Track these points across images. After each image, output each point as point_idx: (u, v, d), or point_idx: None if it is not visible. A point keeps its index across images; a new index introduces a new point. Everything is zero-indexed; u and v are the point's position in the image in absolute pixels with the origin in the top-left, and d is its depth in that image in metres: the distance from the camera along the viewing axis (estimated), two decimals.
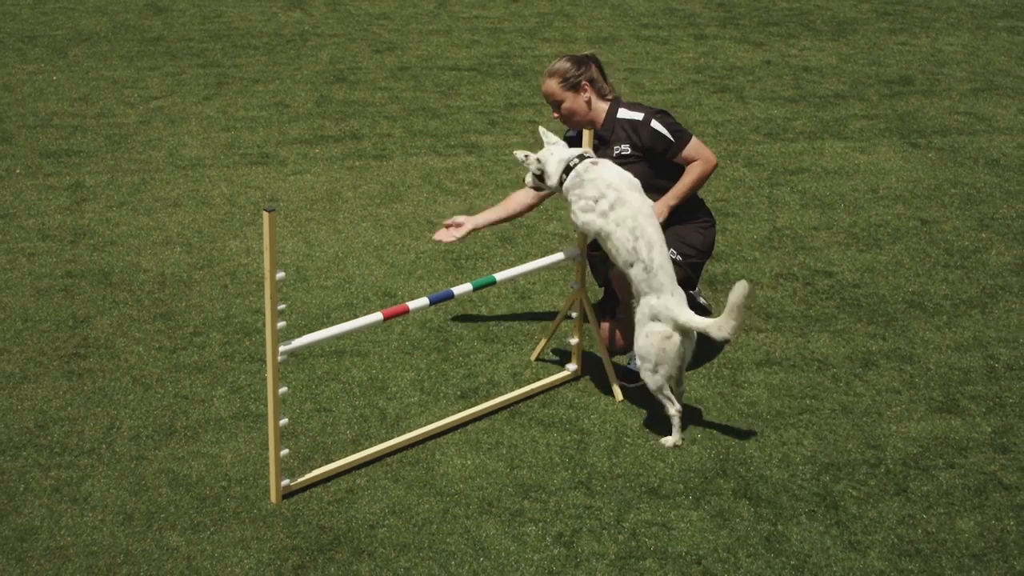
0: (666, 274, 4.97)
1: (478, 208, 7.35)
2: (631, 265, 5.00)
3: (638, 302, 5.06)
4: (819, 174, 8.12)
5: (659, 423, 5.20)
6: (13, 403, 5.24)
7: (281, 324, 4.40)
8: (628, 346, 5.59)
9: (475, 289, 5.15)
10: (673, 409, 5.06)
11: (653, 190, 5.34)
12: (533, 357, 5.71)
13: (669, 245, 5.24)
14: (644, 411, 5.30)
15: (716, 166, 5.53)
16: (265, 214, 4.19)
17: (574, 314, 5.45)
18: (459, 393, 5.42)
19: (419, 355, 5.72)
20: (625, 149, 5.46)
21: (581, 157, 5.11)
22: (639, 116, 5.47)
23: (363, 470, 4.86)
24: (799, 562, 4.40)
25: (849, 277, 6.63)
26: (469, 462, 4.93)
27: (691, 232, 5.53)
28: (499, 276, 5.23)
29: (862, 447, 5.10)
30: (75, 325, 5.90)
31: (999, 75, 10.47)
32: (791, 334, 6.01)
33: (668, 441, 5.07)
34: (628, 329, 5.57)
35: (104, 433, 5.05)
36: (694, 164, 5.46)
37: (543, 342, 5.68)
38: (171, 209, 7.28)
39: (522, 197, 5.70)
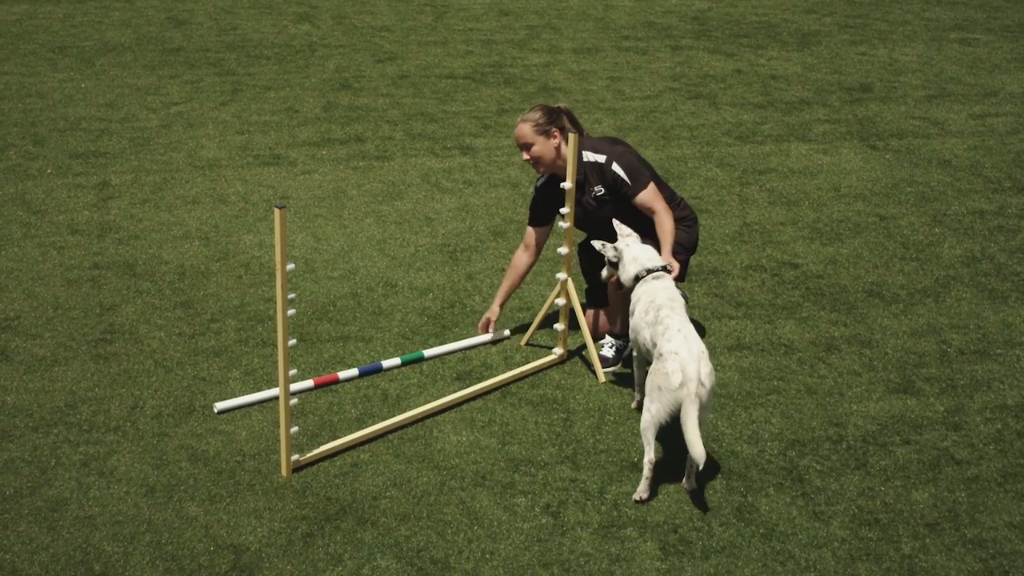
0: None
1: (472, 205, 7.34)
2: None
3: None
4: (785, 174, 8.11)
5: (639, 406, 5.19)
6: (45, 384, 5.22)
7: (291, 312, 4.38)
8: (610, 332, 5.59)
9: (403, 364, 5.42)
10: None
11: (634, 215, 5.27)
12: (523, 342, 5.70)
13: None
14: (624, 392, 5.29)
15: (672, 214, 5.22)
16: (276, 211, 4.16)
17: (561, 302, 5.44)
18: (455, 375, 5.41)
19: (418, 340, 5.70)
20: (600, 191, 5.32)
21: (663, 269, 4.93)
22: (601, 159, 5.27)
23: (367, 446, 4.84)
24: (767, 531, 4.40)
25: (813, 268, 6.63)
26: (464, 439, 4.92)
27: (678, 232, 5.46)
28: (428, 352, 5.50)
29: (825, 425, 5.09)
30: (102, 313, 5.87)
31: (951, 83, 10.47)
32: (760, 321, 6.00)
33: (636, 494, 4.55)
34: (612, 314, 5.56)
35: (128, 412, 5.03)
36: (659, 220, 5.19)
37: (532, 328, 5.66)
38: (190, 206, 7.25)
39: (523, 258, 5.59)
